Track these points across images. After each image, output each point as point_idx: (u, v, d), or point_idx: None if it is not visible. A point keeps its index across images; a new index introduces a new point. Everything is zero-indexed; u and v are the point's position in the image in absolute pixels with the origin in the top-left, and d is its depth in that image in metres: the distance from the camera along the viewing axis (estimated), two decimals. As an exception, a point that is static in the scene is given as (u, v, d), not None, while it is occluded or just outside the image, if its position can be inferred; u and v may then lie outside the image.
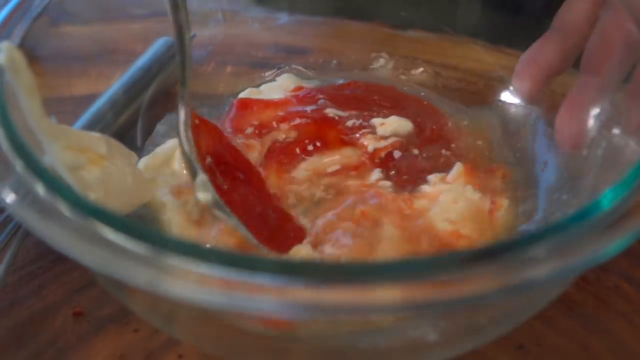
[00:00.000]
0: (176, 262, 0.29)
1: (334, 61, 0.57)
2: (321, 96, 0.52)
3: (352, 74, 0.58)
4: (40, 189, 0.32)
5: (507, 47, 0.56)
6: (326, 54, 0.58)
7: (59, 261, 0.47)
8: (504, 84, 0.53)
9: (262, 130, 0.50)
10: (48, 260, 0.47)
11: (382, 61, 0.58)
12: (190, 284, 0.28)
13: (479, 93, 0.56)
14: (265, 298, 0.28)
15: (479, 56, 0.57)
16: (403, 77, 0.58)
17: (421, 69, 0.58)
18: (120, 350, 0.42)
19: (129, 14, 0.52)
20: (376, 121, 0.51)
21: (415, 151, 0.50)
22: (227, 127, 0.50)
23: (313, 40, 0.59)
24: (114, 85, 0.51)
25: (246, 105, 0.52)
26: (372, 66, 0.58)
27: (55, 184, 0.33)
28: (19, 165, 0.34)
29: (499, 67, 0.55)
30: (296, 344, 0.38)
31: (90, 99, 0.50)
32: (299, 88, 0.53)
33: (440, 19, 0.57)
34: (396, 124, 0.51)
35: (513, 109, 0.52)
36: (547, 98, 0.49)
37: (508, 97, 0.53)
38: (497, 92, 0.54)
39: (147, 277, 0.28)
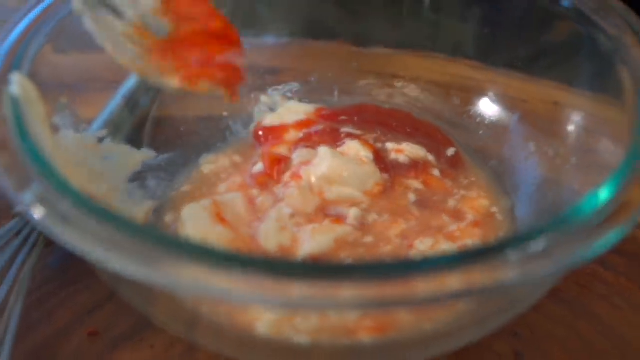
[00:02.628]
0: (186, 262, 0.30)
1: (313, 79, 0.57)
2: (344, 117, 0.54)
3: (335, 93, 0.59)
4: (66, 204, 0.33)
5: (465, 59, 0.57)
6: (300, 74, 0.59)
7: (65, 285, 0.47)
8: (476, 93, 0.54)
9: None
10: (54, 286, 0.47)
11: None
12: (199, 279, 0.30)
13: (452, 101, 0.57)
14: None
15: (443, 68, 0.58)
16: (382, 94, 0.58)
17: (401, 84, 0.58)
18: (139, 366, 0.42)
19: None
20: (389, 145, 0.52)
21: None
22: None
23: (289, 61, 0.60)
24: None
25: (272, 130, 0.53)
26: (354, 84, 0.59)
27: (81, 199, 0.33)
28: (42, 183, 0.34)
29: (463, 78, 0.56)
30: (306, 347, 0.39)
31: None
32: (321, 109, 0.55)
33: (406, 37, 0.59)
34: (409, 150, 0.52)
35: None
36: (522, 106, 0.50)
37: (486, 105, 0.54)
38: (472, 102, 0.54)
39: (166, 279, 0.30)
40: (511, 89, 0.54)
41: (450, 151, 0.52)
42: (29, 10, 0.44)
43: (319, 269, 0.32)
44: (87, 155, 0.45)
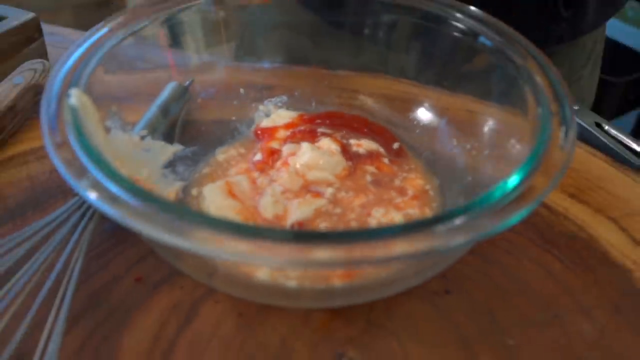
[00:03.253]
0: (205, 230, 0.28)
1: (296, 93, 0.53)
2: (319, 121, 0.51)
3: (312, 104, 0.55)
4: (114, 187, 0.30)
5: (407, 79, 0.53)
6: (287, 89, 0.55)
7: (117, 244, 0.43)
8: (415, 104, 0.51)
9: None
10: (109, 244, 0.43)
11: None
12: (215, 245, 0.28)
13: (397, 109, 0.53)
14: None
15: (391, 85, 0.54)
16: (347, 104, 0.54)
17: (359, 99, 0.54)
18: (172, 302, 0.39)
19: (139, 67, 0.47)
20: (352, 141, 0.49)
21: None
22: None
23: (279, 80, 0.56)
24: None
25: (267, 130, 0.50)
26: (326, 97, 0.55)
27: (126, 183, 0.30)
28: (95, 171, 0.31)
29: (404, 93, 0.53)
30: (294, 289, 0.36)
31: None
32: (302, 115, 0.51)
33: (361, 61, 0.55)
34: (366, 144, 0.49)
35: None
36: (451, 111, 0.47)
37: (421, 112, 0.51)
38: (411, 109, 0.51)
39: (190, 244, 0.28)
40: (440, 101, 0.50)
41: (396, 145, 0.49)
42: (85, 40, 0.39)
43: (302, 235, 0.30)
44: (132, 149, 0.41)
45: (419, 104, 0.50)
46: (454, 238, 0.29)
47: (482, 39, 0.44)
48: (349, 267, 0.35)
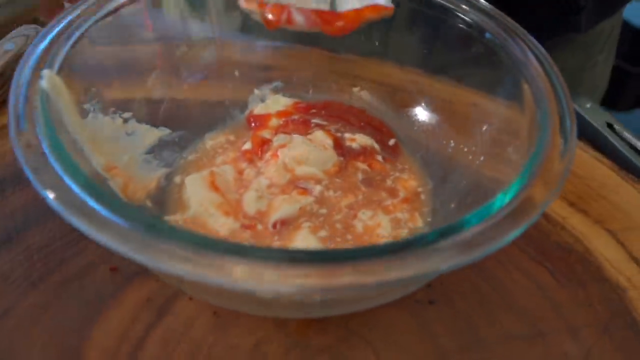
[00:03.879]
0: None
1: (295, 77, 0.51)
2: (314, 110, 0.48)
3: (309, 91, 0.51)
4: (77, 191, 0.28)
5: (410, 67, 0.50)
6: (285, 72, 0.52)
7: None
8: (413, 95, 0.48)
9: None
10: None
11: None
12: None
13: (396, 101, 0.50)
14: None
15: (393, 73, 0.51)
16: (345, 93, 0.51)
17: (358, 87, 0.51)
18: (146, 296, 0.38)
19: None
20: (346, 135, 0.46)
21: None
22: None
23: (277, 61, 0.53)
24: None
25: (260, 117, 0.47)
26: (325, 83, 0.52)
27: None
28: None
29: (406, 82, 0.49)
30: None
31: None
32: (297, 103, 0.48)
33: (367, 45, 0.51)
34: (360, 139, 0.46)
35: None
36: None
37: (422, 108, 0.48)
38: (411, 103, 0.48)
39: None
40: (441, 92, 0.47)
41: (392, 141, 0.46)
42: (63, 18, 0.37)
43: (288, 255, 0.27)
44: (114, 133, 0.39)
45: (420, 96, 0.47)
46: (446, 261, 0.27)
47: (486, 34, 0.41)
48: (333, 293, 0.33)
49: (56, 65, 0.34)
